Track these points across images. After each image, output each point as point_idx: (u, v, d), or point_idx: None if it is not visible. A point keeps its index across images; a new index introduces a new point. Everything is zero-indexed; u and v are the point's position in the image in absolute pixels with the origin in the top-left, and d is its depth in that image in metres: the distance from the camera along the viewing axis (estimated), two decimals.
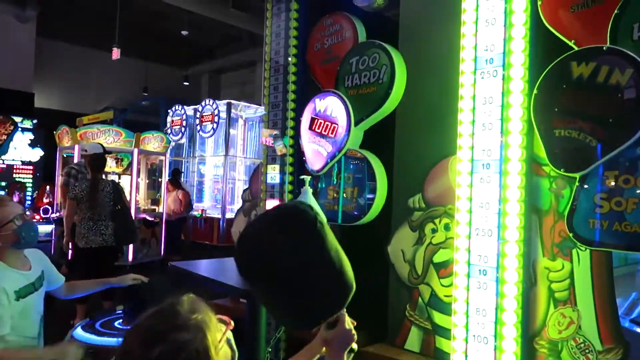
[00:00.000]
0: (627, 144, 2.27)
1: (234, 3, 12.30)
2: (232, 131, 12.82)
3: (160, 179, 10.84)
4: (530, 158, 2.63)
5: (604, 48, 2.37)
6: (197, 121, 12.86)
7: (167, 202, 9.66)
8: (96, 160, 5.44)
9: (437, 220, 3.02)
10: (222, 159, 12.74)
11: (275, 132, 3.92)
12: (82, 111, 14.62)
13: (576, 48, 2.49)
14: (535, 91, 2.57)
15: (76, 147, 8.54)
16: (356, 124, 3.40)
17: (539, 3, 2.63)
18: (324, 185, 3.60)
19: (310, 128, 3.65)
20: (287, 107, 3.90)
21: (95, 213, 4.85)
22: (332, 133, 3.49)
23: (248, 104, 13.22)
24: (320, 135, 3.57)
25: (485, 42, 2.71)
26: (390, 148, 3.46)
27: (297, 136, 3.81)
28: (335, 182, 3.53)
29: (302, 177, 2.99)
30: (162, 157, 10.09)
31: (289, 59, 3.83)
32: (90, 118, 13.49)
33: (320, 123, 3.57)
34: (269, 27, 4.02)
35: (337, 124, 3.46)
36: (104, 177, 5.35)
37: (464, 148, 2.77)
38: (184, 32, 13.80)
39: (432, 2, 3.40)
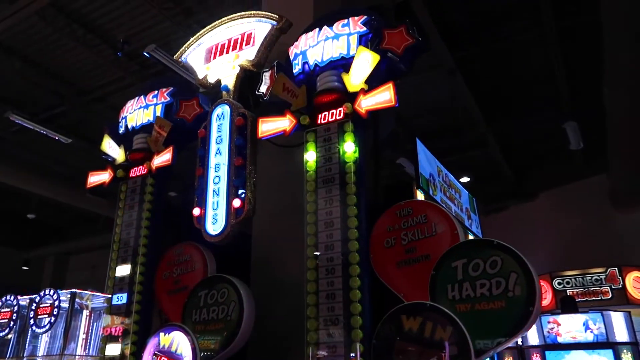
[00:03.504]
0: None
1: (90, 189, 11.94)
2: (73, 323, 11.39)
3: None
4: None
5: (427, 305, 2.63)
6: (32, 314, 11.24)
7: None
8: None
9: None
10: (57, 358, 11.00)
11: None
12: None
13: (405, 302, 2.73)
14: (374, 341, 2.69)
15: None
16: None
17: (370, 257, 2.92)
18: None
19: None
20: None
21: None
22: None
23: (96, 293, 12.09)
24: None
25: None
26: None
27: None
28: None
29: None
30: None
31: (134, 288, 3.66)
32: None
33: None
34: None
35: None
36: None
37: None
38: (30, 216, 12.80)
39: (281, 237, 3.62)
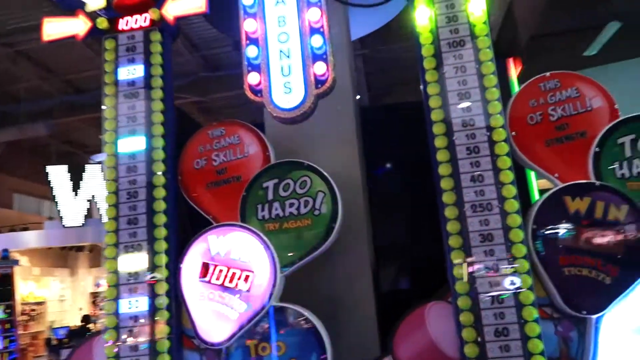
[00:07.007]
0: None
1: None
2: None
3: None
4: None
5: (597, 184, 2.35)
6: None
7: None
8: None
9: None
10: None
11: None
12: None
13: (559, 182, 2.41)
14: (533, 225, 2.33)
15: None
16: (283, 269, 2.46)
17: (513, 134, 2.49)
18: None
19: (204, 278, 2.46)
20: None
21: None
22: (245, 282, 2.42)
23: None
24: (224, 287, 2.43)
25: None
26: None
27: (173, 291, 2.52)
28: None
29: None
30: None
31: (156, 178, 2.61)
32: None
33: (221, 270, 2.46)
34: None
35: (253, 271, 2.44)
36: None
37: None
38: None
39: None
